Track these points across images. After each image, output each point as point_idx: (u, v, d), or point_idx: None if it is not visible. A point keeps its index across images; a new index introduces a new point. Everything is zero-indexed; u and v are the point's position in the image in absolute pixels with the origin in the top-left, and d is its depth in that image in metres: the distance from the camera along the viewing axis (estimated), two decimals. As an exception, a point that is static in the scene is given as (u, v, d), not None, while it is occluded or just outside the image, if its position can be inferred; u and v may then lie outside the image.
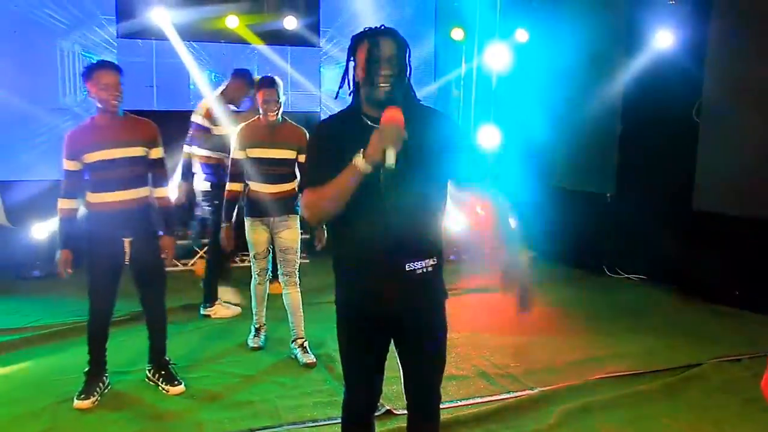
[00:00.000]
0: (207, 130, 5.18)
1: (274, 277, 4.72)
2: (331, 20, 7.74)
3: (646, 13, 6.45)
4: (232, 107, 5.36)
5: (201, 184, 5.34)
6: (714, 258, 5.74)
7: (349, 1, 7.55)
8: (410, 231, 2.20)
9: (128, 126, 3.71)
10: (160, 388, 3.90)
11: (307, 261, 6.89)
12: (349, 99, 2.31)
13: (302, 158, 4.36)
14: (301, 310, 4.49)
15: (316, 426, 3.49)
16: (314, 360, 4.39)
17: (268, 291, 4.68)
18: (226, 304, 5.44)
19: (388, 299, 2.24)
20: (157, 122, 3.87)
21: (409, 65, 2.26)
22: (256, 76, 5.26)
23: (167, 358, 4.01)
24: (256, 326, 4.69)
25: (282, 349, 4.61)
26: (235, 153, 4.40)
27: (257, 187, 4.38)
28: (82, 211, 3.78)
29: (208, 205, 5.30)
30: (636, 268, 6.72)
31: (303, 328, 4.51)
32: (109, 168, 3.62)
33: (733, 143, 5.71)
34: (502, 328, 5.14)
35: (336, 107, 2.39)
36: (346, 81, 2.29)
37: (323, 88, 7.79)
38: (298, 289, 4.47)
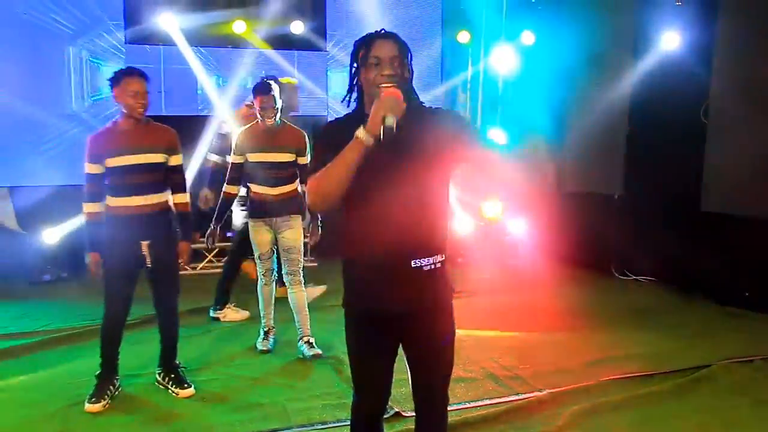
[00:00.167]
0: None
1: (282, 281, 4.76)
2: (338, 24, 7.76)
3: (653, 15, 6.44)
4: None
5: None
6: (723, 259, 5.71)
7: (355, 5, 7.58)
8: (415, 228, 2.21)
9: (150, 132, 3.76)
10: (169, 391, 3.92)
11: (315, 264, 6.93)
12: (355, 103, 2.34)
13: (302, 160, 4.48)
14: (307, 309, 4.60)
15: (325, 428, 3.49)
16: (320, 352, 4.50)
17: (275, 293, 4.72)
18: (236, 308, 5.47)
19: (395, 298, 2.25)
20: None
21: (411, 68, 2.29)
22: (282, 79, 5.35)
23: (177, 362, 4.03)
24: (265, 329, 4.71)
25: (291, 351, 4.64)
26: (234, 157, 4.48)
27: (259, 189, 4.47)
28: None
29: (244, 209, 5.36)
30: (644, 270, 6.70)
31: (309, 326, 4.60)
32: (129, 173, 3.67)
33: (742, 144, 5.69)
34: (509, 330, 5.15)
35: (343, 111, 2.41)
36: (351, 86, 2.31)
37: (330, 92, 7.81)
38: (303, 288, 4.58)
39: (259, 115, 4.42)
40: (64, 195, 6.46)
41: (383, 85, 2.15)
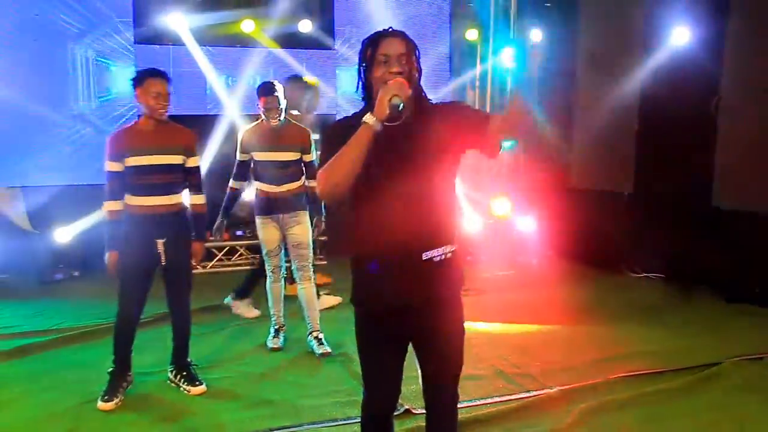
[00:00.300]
0: None
1: (291, 279, 4.81)
2: (346, 23, 7.78)
3: (663, 10, 6.41)
4: (295, 111, 5.45)
5: None
6: (733, 256, 5.69)
7: (363, 3, 7.59)
8: (425, 221, 2.23)
9: (170, 133, 3.80)
10: (181, 388, 3.95)
11: (325, 262, 6.94)
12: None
13: (307, 158, 4.58)
14: (316, 304, 4.67)
15: (335, 425, 3.51)
16: (329, 351, 4.54)
17: (284, 291, 4.76)
18: (249, 306, 5.51)
19: (406, 292, 2.26)
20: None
21: (419, 67, 2.30)
22: (309, 81, 5.41)
23: (189, 359, 4.06)
24: (275, 327, 4.74)
25: (301, 349, 4.67)
26: (240, 155, 4.58)
27: (265, 187, 4.54)
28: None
29: None
30: (653, 267, 6.68)
31: (318, 321, 4.65)
32: (148, 173, 3.70)
33: (752, 140, 5.65)
34: (519, 328, 5.16)
35: (352, 109, 2.43)
36: (360, 84, 2.32)
37: (339, 91, 7.83)
38: (313, 284, 4.64)
39: (263, 115, 4.50)
40: (75, 195, 6.53)
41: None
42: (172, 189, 3.80)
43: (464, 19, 8.01)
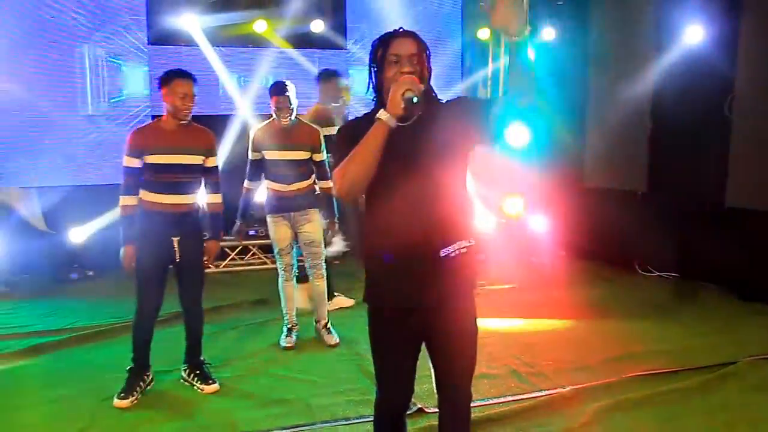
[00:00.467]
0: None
1: (303, 277, 4.85)
2: (358, 22, 7.79)
3: (676, 8, 6.37)
4: (331, 105, 5.54)
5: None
6: (747, 255, 5.64)
7: (375, 3, 7.59)
8: (441, 217, 2.23)
9: (191, 134, 3.83)
10: (194, 387, 3.98)
11: (337, 263, 6.94)
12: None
13: (317, 157, 4.62)
14: (326, 297, 4.83)
15: (348, 424, 3.51)
16: (338, 341, 4.70)
17: (296, 289, 4.80)
18: (342, 298, 5.66)
19: (420, 289, 2.27)
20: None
21: (430, 67, 2.30)
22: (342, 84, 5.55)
23: (202, 358, 4.08)
24: (288, 326, 4.76)
25: (314, 347, 4.69)
26: (252, 154, 4.62)
27: (276, 186, 4.58)
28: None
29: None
30: (668, 266, 6.64)
31: (326, 314, 4.79)
32: (167, 172, 3.74)
33: (766, 138, 5.61)
34: (532, 327, 5.15)
35: (364, 109, 2.43)
36: (371, 85, 2.33)
37: (352, 91, 7.82)
38: (324, 280, 4.77)
39: (274, 114, 4.53)
40: (89, 195, 6.58)
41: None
42: (190, 188, 3.85)
43: (476, 18, 7.99)
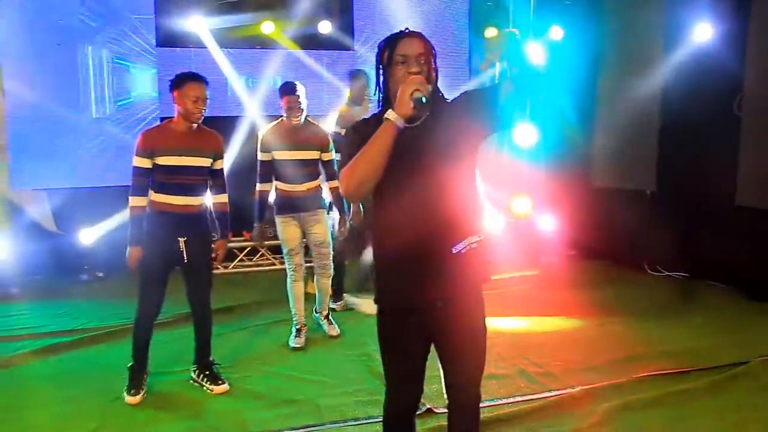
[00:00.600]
0: None
1: (309, 276, 4.91)
2: (365, 23, 7.79)
3: (685, 6, 6.34)
4: (356, 107, 5.56)
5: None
6: (758, 254, 5.61)
7: (382, 4, 7.60)
8: (447, 216, 2.23)
9: (201, 136, 3.86)
10: (204, 388, 3.99)
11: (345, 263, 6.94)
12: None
13: (325, 156, 4.67)
14: (330, 292, 5.00)
15: (357, 425, 3.52)
16: (339, 332, 4.85)
17: (304, 290, 4.83)
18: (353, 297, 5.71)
19: (430, 288, 2.27)
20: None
21: (437, 68, 2.30)
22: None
23: (212, 359, 4.10)
24: (297, 326, 4.77)
25: (323, 348, 4.71)
26: (262, 155, 4.64)
27: (285, 186, 4.62)
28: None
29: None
30: (677, 266, 6.61)
31: (328, 305, 5.00)
32: (177, 173, 3.77)
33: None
34: (541, 327, 5.14)
35: (372, 110, 2.44)
36: (378, 87, 2.34)
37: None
38: (330, 279, 4.88)
39: (285, 114, 4.56)
40: (98, 197, 6.61)
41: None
42: (198, 190, 3.88)
43: (483, 18, 7.97)
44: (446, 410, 2.51)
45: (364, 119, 2.43)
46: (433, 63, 2.28)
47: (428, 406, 3.57)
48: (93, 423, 3.56)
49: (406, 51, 2.23)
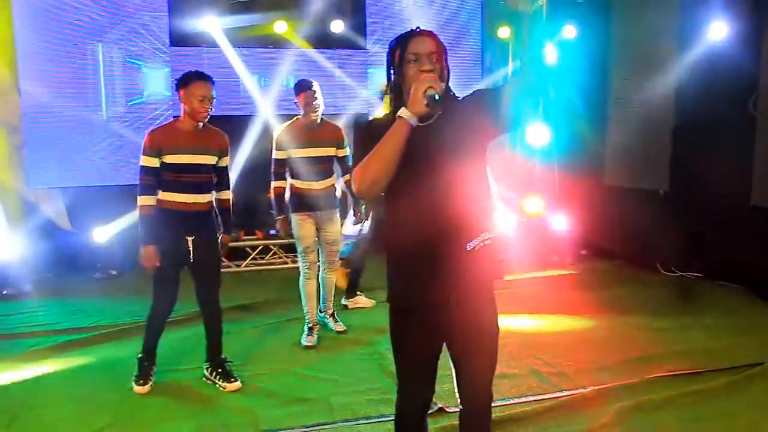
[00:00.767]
0: None
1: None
2: (378, 22, 7.79)
3: (699, 5, 6.29)
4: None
5: None
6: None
7: (394, 3, 7.60)
8: (459, 214, 2.23)
9: (207, 135, 3.90)
10: (217, 385, 4.01)
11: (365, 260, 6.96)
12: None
13: (341, 152, 4.74)
14: (334, 289, 5.05)
15: (369, 423, 3.52)
16: (345, 329, 4.99)
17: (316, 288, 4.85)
18: (363, 298, 5.73)
19: (442, 286, 2.26)
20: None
21: (448, 66, 2.30)
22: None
23: (224, 356, 4.12)
24: (309, 325, 4.78)
25: (335, 346, 4.72)
26: (278, 153, 4.68)
27: (301, 184, 4.66)
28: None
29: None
30: (691, 266, 6.56)
31: (332, 304, 5.07)
32: (184, 172, 3.80)
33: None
34: (552, 327, 5.12)
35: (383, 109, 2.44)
36: (389, 87, 2.34)
37: (373, 91, 7.83)
38: (335, 274, 4.97)
39: (303, 111, 4.60)
40: (111, 195, 6.65)
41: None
42: (205, 188, 3.91)
43: (496, 17, 7.96)
44: (458, 409, 2.50)
45: (377, 118, 2.43)
46: (444, 61, 2.28)
47: (440, 405, 3.56)
48: (106, 419, 3.59)
49: (418, 49, 2.23)
